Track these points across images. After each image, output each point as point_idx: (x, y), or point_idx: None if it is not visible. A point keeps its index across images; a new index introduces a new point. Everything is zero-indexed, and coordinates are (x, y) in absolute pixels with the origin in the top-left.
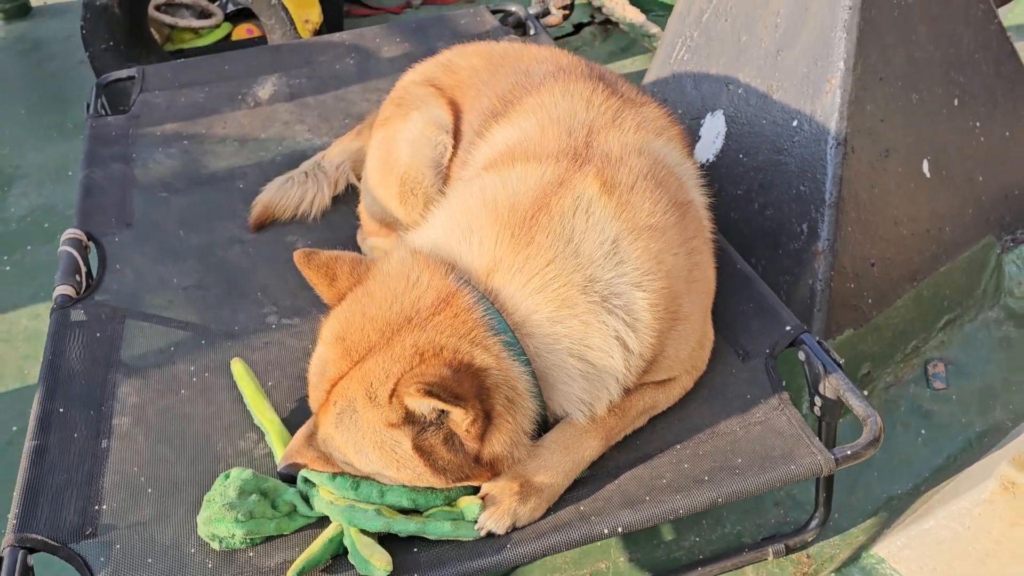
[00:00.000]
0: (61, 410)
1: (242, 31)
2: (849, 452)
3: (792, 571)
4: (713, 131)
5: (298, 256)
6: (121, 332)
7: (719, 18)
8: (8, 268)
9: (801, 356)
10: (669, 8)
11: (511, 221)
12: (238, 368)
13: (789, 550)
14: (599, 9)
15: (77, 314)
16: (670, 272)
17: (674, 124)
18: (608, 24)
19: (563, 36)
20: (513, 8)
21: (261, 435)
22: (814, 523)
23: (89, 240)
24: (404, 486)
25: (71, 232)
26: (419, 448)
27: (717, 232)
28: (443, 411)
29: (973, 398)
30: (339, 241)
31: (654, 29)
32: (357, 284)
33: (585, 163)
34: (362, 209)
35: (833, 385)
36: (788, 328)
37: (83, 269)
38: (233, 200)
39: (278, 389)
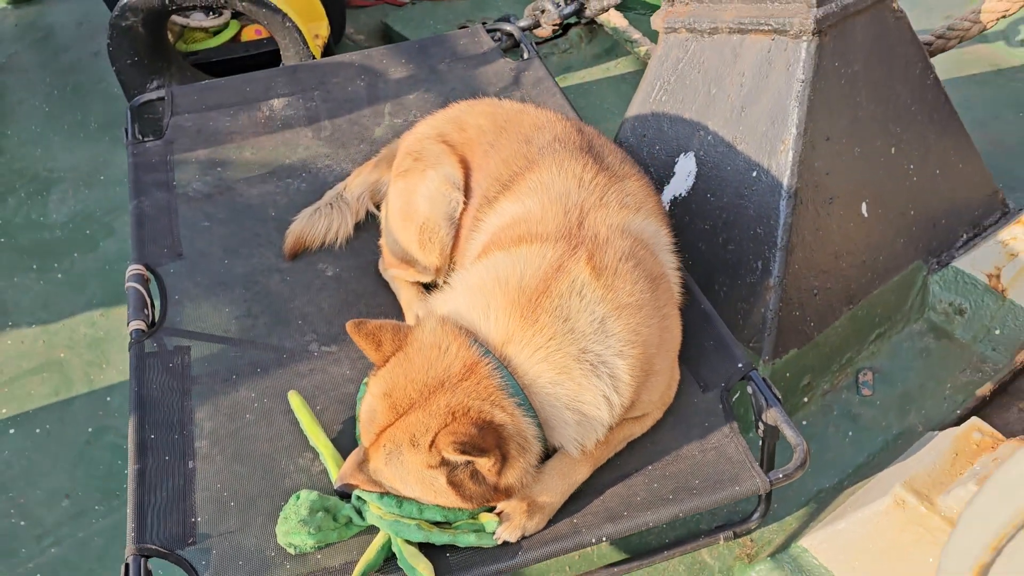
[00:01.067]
0: (152, 437)
1: (251, 31)
2: (781, 475)
3: (738, 552)
4: (685, 170)
5: (350, 326)
6: (189, 361)
7: (692, 68)
8: (60, 276)
9: (749, 390)
10: (651, 7)
11: (520, 301)
12: (295, 400)
13: (737, 536)
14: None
15: (150, 346)
16: (645, 340)
17: (651, 195)
18: (593, 24)
19: (551, 39)
20: (508, 28)
21: (316, 455)
22: (756, 515)
23: (148, 271)
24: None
25: (134, 268)
26: (452, 482)
27: (684, 271)
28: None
29: (894, 403)
30: (362, 267)
31: (636, 35)
32: (399, 349)
33: (579, 246)
34: (383, 244)
35: (772, 416)
36: (740, 365)
37: (149, 302)
38: (268, 229)
39: (326, 413)
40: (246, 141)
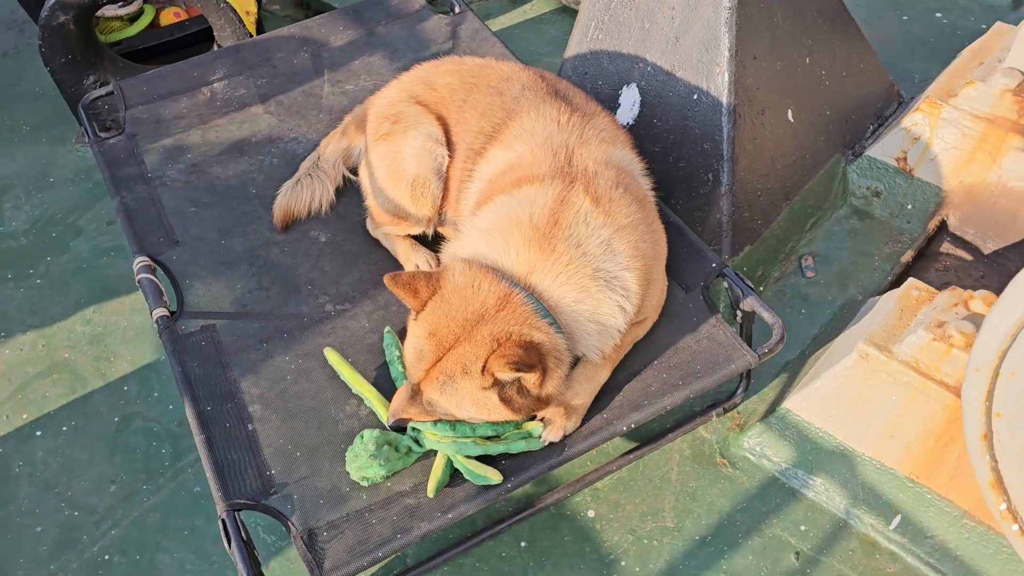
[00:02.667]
0: (208, 408)
1: (169, 15)
2: (766, 349)
3: (730, 425)
4: (630, 100)
5: (387, 280)
6: (219, 338)
7: (624, 7)
8: (39, 281)
9: (725, 285)
10: None
11: (535, 236)
12: (331, 355)
13: (726, 410)
14: None
15: (180, 329)
16: (644, 254)
17: (619, 128)
18: None
19: None
20: None
21: (359, 401)
22: (740, 390)
23: (153, 262)
24: (489, 422)
25: (141, 260)
26: (503, 399)
27: (657, 196)
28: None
29: (834, 280)
30: (351, 229)
31: None
32: (434, 293)
33: (574, 180)
34: (371, 204)
35: (749, 304)
36: (714, 265)
37: (162, 289)
38: (253, 205)
39: (357, 363)
40: (207, 124)
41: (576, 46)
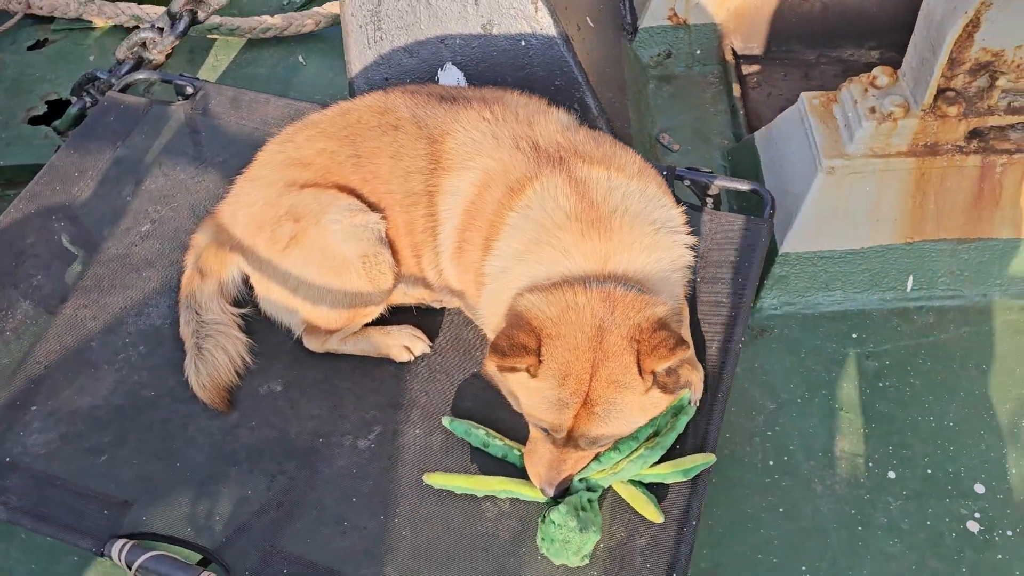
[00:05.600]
0: None
1: None
2: (770, 209)
3: None
4: (452, 79)
5: (493, 362)
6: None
7: (393, 1)
8: None
9: (686, 183)
10: None
11: (584, 226)
12: (435, 478)
13: None
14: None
15: None
16: (663, 184)
17: (529, 96)
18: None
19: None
20: (142, 76)
21: (498, 500)
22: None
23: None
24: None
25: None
26: (662, 388)
27: None
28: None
29: (695, 139)
30: (295, 359)
31: (236, 21)
32: (540, 341)
33: (561, 159)
34: (311, 317)
35: (718, 185)
36: (664, 173)
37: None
38: (165, 411)
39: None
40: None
41: (359, 58)
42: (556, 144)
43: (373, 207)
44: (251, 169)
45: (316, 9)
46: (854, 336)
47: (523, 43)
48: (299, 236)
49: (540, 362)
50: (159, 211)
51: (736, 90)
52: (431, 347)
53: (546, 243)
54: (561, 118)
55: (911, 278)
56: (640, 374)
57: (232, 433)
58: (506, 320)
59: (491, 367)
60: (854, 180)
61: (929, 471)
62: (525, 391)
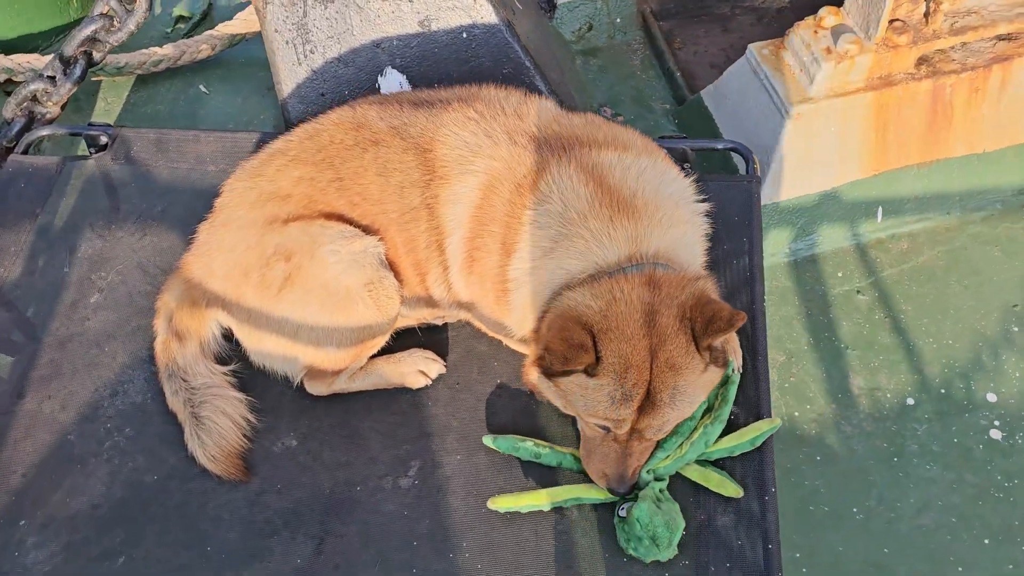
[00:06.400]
0: None
1: None
2: (755, 164)
3: None
4: (394, 85)
5: (534, 376)
6: None
7: (319, 9)
8: None
9: None
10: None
11: (609, 212)
12: (500, 502)
13: None
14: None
15: None
16: (666, 157)
17: (510, 88)
18: None
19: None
20: (43, 133)
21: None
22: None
23: None
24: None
25: None
26: (716, 362)
27: None
28: None
29: (636, 107)
30: (304, 409)
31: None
32: (594, 337)
33: (565, 147)
34: (315, 360)
35: (695, 148)
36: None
37: None
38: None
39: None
40: None
41: (290, 77)
42: (554, 133)
43: (366, 230)
44: (219, 212)
45: (209, 32)
46: (840, 275)
47: (465, 35)
48: (294, 275)
49: (598, 359)
50: (104, 277)
51: (667, 53)
52: (446, 366)
53: (575, 235)
54: (547, 105)
55: (880, 209)
56: (698, 351)
57: (259, 502)
58: (548, 324)
59: (534, 375)
60: (820, 123)
61: (943, 391)
62: (583, 392)
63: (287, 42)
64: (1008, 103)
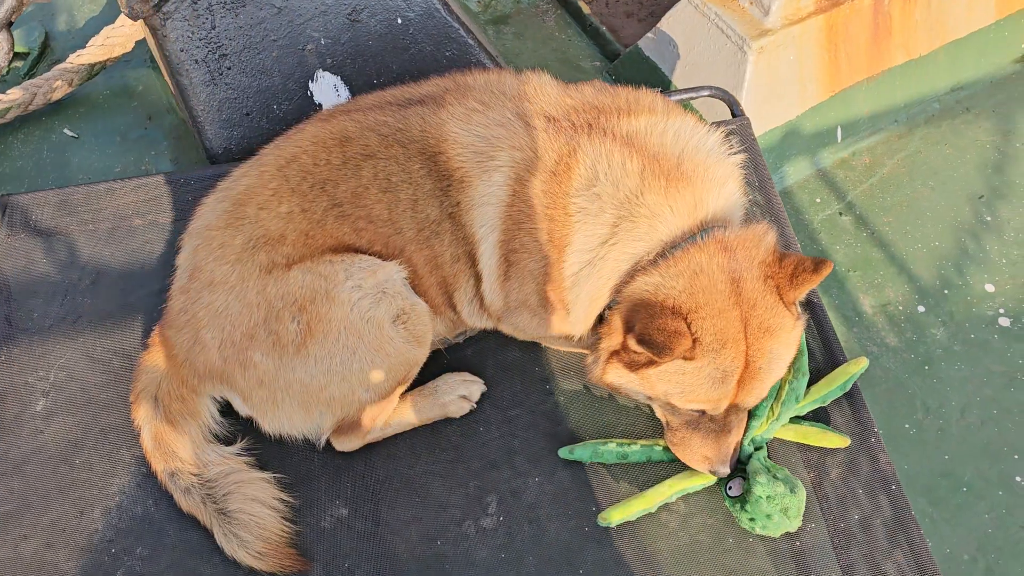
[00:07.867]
0: None
1: None
2: (740, 112)
3: None
4: (329, 87)
5: (615, 374)
6: None
7: (227, 20)
8: None
9: None
10: None
11: (662, 182)
12: (613, 514)
13: None
14: None
15: None
16: (686, 111)
17: (499, 69)
18: None
19: None
20: None
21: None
22: None
23: None
24: None
25: None
26: (800, 317)
27: None
28: None
29: (557, 71)
30: (338, 468)
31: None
32: (687, 318)
33: (590, 122)
34: (346, 413)
35: (675, 100)
36: None
37: None
38: None
39: (620, 495)
40: None
41: (206, 99)
42: (570, 108)
43: (380, 257)
44: (195, 273)
45: (61, 67)
46: (818, 201)
47: (400, 21)
48: (312, 325)
49: (695, 341)
50: (46, 378)
51: (582, 10)
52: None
53: (635, 216)
54: (546, 79)
55: (839, 128)
56: (786, 307)
57: None
58: (629, 315)
59: (612, 372)
60: (780, 54)
61: (946, 291)
62: (679, 378)
63: (198, 61)
64: (936, 4)
